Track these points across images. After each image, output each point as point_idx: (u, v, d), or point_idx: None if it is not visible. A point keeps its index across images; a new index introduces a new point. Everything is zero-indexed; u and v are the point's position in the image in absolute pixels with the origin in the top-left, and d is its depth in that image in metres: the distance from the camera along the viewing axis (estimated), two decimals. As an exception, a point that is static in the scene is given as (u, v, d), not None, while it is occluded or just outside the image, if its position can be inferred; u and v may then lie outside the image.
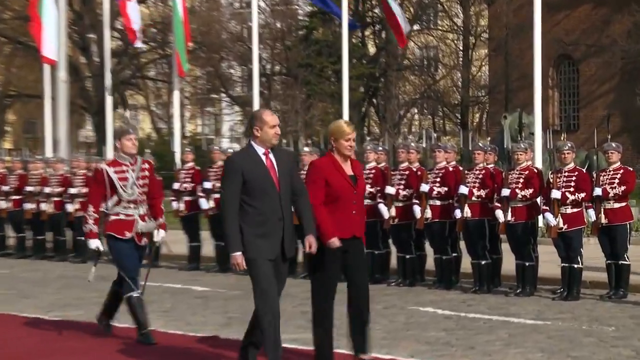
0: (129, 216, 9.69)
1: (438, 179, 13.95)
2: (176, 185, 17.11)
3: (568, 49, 39.51)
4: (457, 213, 13.55)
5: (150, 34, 41.42)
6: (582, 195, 12.61)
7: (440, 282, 14.05)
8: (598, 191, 12.71)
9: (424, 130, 37.86)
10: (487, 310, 11.98)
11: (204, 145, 39.86)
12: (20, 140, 54.79)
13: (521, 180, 13.03)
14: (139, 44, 27.34)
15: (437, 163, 14.10)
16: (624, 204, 12.83)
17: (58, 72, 25.83)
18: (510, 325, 10.80)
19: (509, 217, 13.04)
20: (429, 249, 14.41)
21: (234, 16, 47.01)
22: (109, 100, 26.89)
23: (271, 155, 7.92)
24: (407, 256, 14.41)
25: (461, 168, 14.12)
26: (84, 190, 18.48)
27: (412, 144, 15.01)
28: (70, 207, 18.78)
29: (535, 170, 13.33)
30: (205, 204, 16.65)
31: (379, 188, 14.44)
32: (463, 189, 13.46)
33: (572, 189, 12.61)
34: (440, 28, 45.93)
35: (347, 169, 8.20)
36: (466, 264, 13.93)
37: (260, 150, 7.90)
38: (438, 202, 13.95)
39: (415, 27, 44.16)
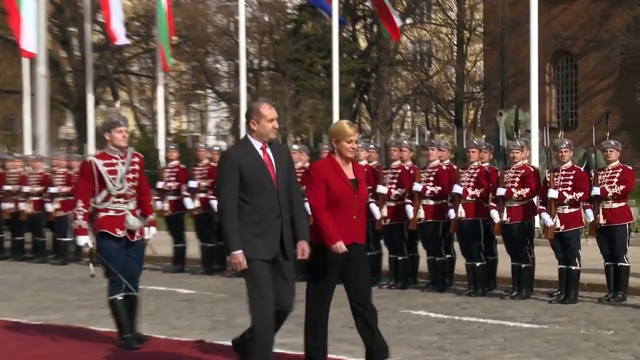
0: (119, 212, 9.61)
1: (431, 178, 13.96)
2: (160, 184, 17.08)
3: (566, 43, 39.59)
4: (451, 213, 13.57)
5: (134, 27, 41.37)
6: (580, 194, 12.64)
7: (434, 285, 14.06)
8: (596, 190, 12.73)
9: (417, 127, 37.76)
10: (482, 313, 11.99)
11: (189, 143, 39.66)
12: (-2, 138, 54.69)
13: (517, 179, 13.05)
14: (122, 42, 26.84)
15: (431, 161, 14.12)
16: (623, 203, 12.86)
17: (37, 66, 25.78)
18: (505, 329, 10.82)
19: (505, 218, 13.06)
20: (421, 250, 14.43)
21: (220, 9, 46.99)
22: (90, 96, 26.83)
23: (268, 150, 7.84)
24: (400, 258, 14.42)
25: (455, 167, 14.13)
26: (65, 189, 18.49)
27: (405, 142, 15.01)
28: (50, 207, 18.75)
29: (532, 169, 13.35)
30: (190, 203, 16.63)
31: (370, 187, 14.43)
32: (457, 189, 13.47)
33: (569, 189, 12.64)
34: (433, 22, 45.97)
35: (349, 172, 8.12)
36: (460, 265, 13.95)
37: (258, 145, 7.82)
38: (431, 202, 13.96)
39: (408, 20, 44.22)
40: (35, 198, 19.10)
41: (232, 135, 34.57)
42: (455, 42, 44.00)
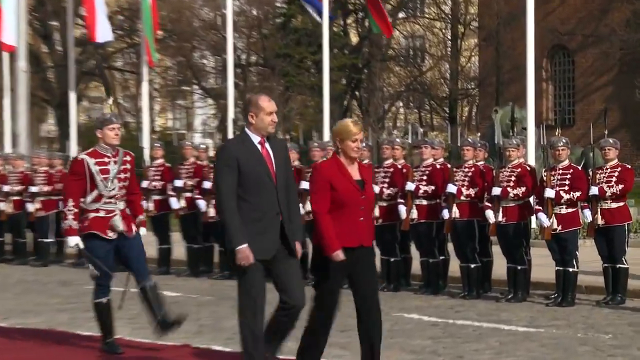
0: (110, 212, 9.53)
1: (425, 177, 13.97)
2: (145, 184, 17.03)
3: (563, 38, 39.67)
4: (445, 213, 13.58)
5: (117, 21, 41.33)
6: (578, 194, 12.66)
7: (427, 287, 14.07)
8: (594, 190, 12.74)
9: (410, 125, 37.86)
10: (477, 316, 12.01)
11: (175, 141, 39.56)
12: (-23, 135, 54.56)
13: (513, 178, 13.06)
14: (105, 38, 26.43)
15: (424, 160, 14.13)
16: (621, 203, 12.87)
17: (18, 61, 25.74)
18: (501, 333, 10.83)
19: (500, 218, 13.07)
20: (414, 252, 14.43)
21: (207, 2, 46.92)
22: (72, 93, 26.80)
23: (267, 145, 7.80)
24: (392, 259, 14.42)
25: (449, 165, 14.14)
26: (46, 188, 18.46)
27: (397, 140, 15.03)
28: (30, 207, 18.72)
29: (528, 168, 13.36)
30: (175, 203, 16.62)
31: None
32: (451, 188, 13.48)
33: (566, 188, 12.66)
34: (427, 16, 46.03)
35: (354, 172, 8.02)
36: (454, 267, 13.96)
37: (256, 139, 7.76)
38: (424, 202, 13.96)
39: (401, 15, 44.30)
40: (15, 198, 19.07)
41: (219, 132, 34.53)
42: (449, 37, 44.04)
